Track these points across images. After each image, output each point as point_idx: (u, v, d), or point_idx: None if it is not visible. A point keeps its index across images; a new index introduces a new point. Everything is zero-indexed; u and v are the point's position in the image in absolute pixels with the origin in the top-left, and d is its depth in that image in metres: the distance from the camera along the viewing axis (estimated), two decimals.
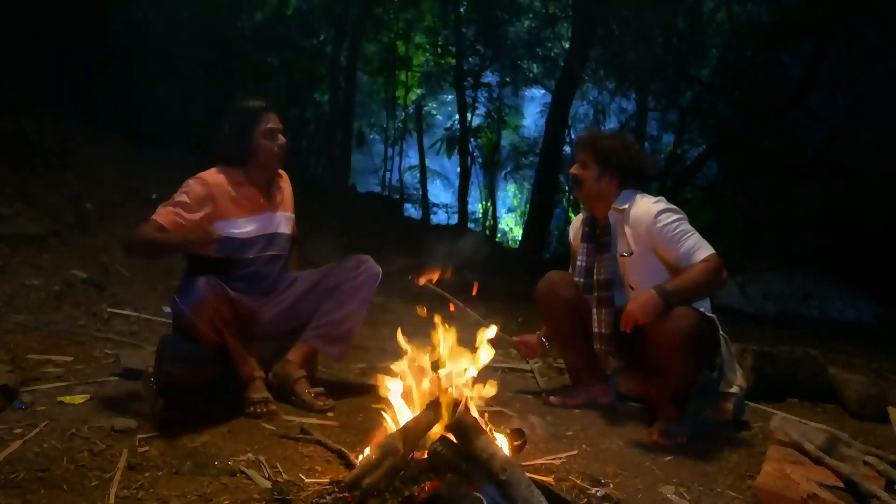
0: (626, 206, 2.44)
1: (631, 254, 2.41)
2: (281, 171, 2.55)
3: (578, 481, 1.82)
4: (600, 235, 2.55)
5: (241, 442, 1.97)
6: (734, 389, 2.41)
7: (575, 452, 2.08)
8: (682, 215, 2.36)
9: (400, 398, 1.81)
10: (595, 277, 2.53)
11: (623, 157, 2.49)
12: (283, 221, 2.53)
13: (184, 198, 2.27)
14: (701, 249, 2.26)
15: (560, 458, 2.01)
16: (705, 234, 2.34)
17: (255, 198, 2.42)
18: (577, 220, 2.78)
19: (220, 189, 2.34)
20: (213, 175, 2.34)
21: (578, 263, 2.62)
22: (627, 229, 2.42)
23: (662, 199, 2.43)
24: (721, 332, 2.34)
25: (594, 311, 2.52)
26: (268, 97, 2.54)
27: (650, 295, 2.16)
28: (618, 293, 2.51)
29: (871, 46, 8.43)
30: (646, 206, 2.39)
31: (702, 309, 2.25)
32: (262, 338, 2.44)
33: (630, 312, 2.18)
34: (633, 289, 2.44)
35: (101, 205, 5.02)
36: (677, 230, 2.30)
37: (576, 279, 2.62)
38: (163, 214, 2.23)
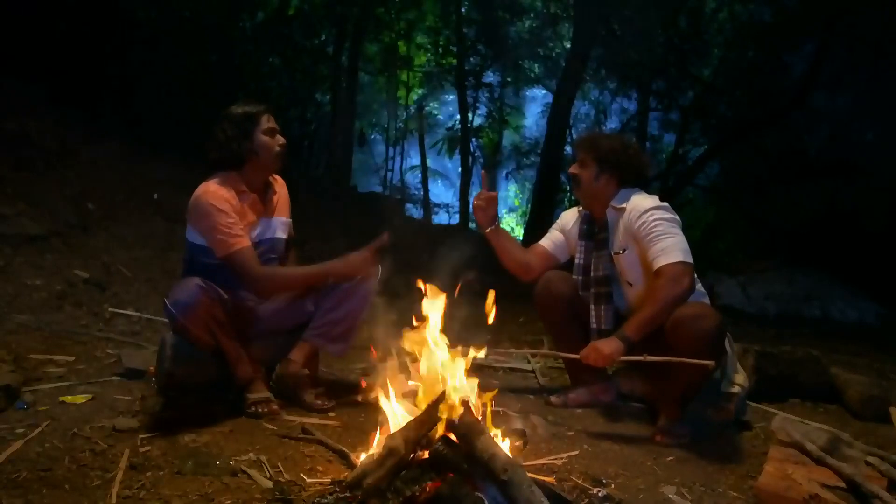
0: (624, 204, 2.44)
1: (624, 251, 2.42)
2: (276, 176, 2.54)
3: (580, 481, 1.82)
4: (598, 232, 2.56)
5: (242, 442, 1.98)
6: (736, 389, 2.41)
7: (576, 452, 2.08)
8: (672, 216, 2.35)
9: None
10: (592, 274, 2.54)
11: (622, 156, 2.49)
12: (280, 226, 2.53)
13: (224, 218, 2.23)
14: (670, 254, 2.24)
15: (561, 458, 2.01)
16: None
17: (255, 205, 2.42)
18: (572, 212, 2.76)
19: (232, 202, 2.31)
20: (218, 189, 2.29)
21: (577, 261, 2.63)
22: (622, 226, 2.43)
23: (657, 198, 2.43)
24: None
25: (592, 307, 2.52)
26: (269, 97, 2.53)
27: (616, 345, 2.16)
28: (616, 289, 2.52)
29: (872, 46, 8.43)
30: (640, 202, 2.40)
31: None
32: (261, 336, 2.45)
33: (587, 357, 2.20)
34: (630, 285, 2.45)
35: (102, 205, 5.01)
36: (656, 228, 2.30)
37: (574, 277, 2.63)
38: (240, 240, 2.25)
